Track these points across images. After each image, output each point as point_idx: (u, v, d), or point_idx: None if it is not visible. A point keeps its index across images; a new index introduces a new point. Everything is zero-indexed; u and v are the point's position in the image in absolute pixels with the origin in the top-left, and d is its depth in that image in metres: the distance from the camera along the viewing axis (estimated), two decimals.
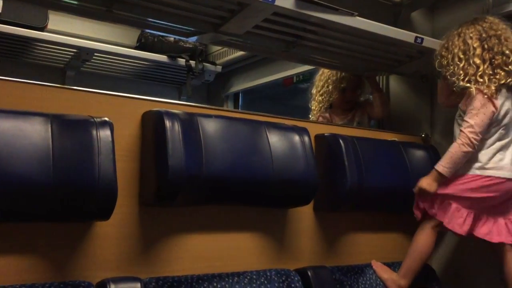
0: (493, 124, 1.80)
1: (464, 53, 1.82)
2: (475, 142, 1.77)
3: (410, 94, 2.41)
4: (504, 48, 1.80)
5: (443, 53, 1.87)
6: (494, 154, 1.81)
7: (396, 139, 2.12)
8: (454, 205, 1.81)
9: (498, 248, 1.84)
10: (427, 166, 2.06)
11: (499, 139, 1.82)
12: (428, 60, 2.05)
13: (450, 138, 2.19)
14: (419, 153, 2.10)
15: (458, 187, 1.82)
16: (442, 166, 1.80)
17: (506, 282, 1.85)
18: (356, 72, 2.37)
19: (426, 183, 1.83)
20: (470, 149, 1.77)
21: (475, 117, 1.77)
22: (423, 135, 2.28)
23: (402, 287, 1.88)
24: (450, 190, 1.82)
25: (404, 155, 2.04)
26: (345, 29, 1.82)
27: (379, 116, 2.38)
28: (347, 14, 1.76)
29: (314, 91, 2.49)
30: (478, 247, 1.96)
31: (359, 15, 1.79)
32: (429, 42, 1.99)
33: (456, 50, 1.83)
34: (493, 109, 1.77)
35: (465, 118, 1.79)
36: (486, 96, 1.77)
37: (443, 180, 1.81)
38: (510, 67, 1.80)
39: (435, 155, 2.10)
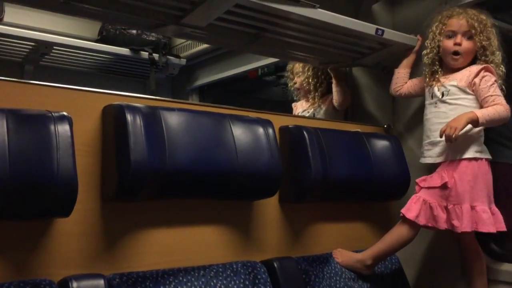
0: None
1: None
2: None
3: (372, 85, 2.44)
4: None
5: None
6: None
7: (359, 130, 2.15)
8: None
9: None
10: (389, 156, 2.10)
11: None
12: (389, 51, 2.09)
13: (411, 128, 2.25)
14: (381, 143, 2.13)
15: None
16: (483, 114, 1.80)
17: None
18: (318, 64, 2.39)
19: (457, 122, 1.79)
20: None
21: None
22: (385, 126, 2.32)
23: (369, 267, 1.92)
24: None
25: (367, 146, 2.08)
26: (307, 21, 1.83)
27: (341, 106, 2.41)
28: (309, 6, 1.76)
29: (297, 85, 2.57)
30: (441, 234, 2.02)
31: (321, 7, 1.80)
32: (390, 34, 2.02)
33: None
34: None
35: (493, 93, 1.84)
36: None
37: (472, 126, 1.82)
38: None
39: (397, 145, 2.14)
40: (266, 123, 1.75)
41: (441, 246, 2.12)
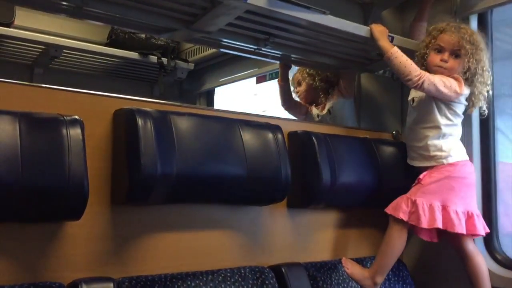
0: None
1: None
2: None
3: (381, 92, 2.44)
4: None
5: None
6: None
7: (367, 136, 2.15)
8: None
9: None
10: (397, 162, 2.10)
11: None
12: None
13: None
14: (389, 150, 2.13)
15: None
16: (398, 53, 1.88)
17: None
18: (327, 70, 2.39)
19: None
20: None
21: None
22: (393, 132, 2.31)
23: (377, 284, 1.92)
24: None
25: (376, 152, 2.07)
26: (316, 27, 1.83)
27: (349, 94, 2.42)
28: (319, 13, 1.77)
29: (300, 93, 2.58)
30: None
31: (331, 14, 1.81)
32: (399, 40, 2.02)
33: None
34: None
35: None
36: None
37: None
38: None
39: (406, 152, 2.13)
40: (275, 129, 1.75)
41: (449, 253, 2.11)
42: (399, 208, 1.88)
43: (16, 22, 2.75)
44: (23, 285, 1.27)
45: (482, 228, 1.89)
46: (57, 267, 1.38)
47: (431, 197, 1.86)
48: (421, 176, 1.92)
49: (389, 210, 1.91)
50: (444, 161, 1.91)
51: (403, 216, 1.86)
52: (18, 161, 1.22)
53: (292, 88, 2.61)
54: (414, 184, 1.94)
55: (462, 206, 1.88)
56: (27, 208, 1.25)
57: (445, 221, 1.84)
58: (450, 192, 1.87)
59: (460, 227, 1.85)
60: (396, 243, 1.90)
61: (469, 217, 1.88)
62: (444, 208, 1.86)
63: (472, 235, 1.90)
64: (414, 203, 1.86)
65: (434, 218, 1.83)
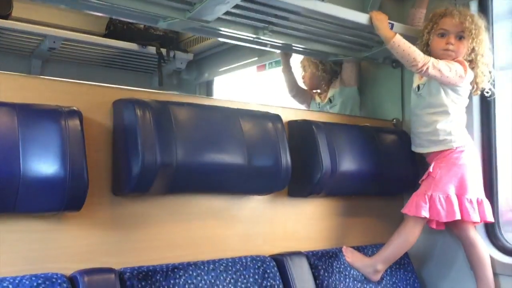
0: None
1: None
2: None
3: (381, 79, 2.43)
4: None
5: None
6: None
7: (367, 124, 2.14)
8: None
9: None
10: (398, 150, 2.09)
11: None
12: None
13: None
14: (390, 138, 2.13)
15: None
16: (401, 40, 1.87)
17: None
18: (327, 58, 2.37)
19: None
20: None
21: None
22: (394, 120, 2.31)
23: (379, 271, 1.92)
24: None
25: (376, 140, 2.07)
26: (315, 15, 1.82)
27: (351, 84, 2.42)
28: (318, 0, 1.75)
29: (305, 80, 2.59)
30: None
31: (329, 1, 1.79)
32: (400, 27, 2.00)
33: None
34: None
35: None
36: None
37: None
38: None
39: (406, 140, 2.13)
40: (274, 118, 1.75)
41: (452, 244, 2.11)
42: (419, 206, 1.87)
43: (14, 13, 2.73)
44: (25, 277, 1.27)
45: (491, 214, 1.90)
46: (58, 258, 1.38)
47: (445, 189, 1.86)
48: (430, 169, 1.91)
49: (410, 211, 1.89)
50: (454, 144, 1.91)
51: (426, 214, 1.85)
52: (17, 152, 1.22)
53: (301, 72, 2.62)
54: (423, 178, 1.94)
55: (474, 194, 1.89)
56: (27, 199, 1.25)
57: (461, 211, 1.85)
58: (461, 181, 1.88)
59: (476, 216, 1.86)
60: (411, 236, 1.91)
61: (479, 204, 1.89)
62: (459, 198, 1.86)
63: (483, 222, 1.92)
64: (431, 198, 1.86)
65: (453, 211, 1.84)
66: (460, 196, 1.87)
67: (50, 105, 1.33)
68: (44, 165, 1.25)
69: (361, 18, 1.91)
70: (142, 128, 1.41)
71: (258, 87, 3.44)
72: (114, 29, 3.08)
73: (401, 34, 1.94)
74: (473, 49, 1.92)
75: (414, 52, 1.85)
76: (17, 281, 1.25)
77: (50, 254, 1.37)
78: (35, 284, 1.26)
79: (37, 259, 1.35)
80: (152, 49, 3.12)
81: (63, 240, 1.39)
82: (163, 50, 3.15)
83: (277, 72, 2.80)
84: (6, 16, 2.68)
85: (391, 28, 1.95)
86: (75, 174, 1.27)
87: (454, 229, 1.98)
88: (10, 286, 1.23)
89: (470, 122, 2.07)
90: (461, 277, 2.08)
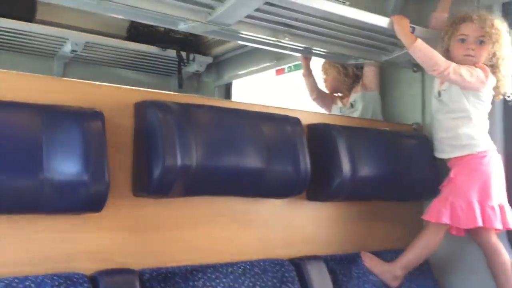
0: None
1: None
2: None
3: (401, 83, 2.41)
4: None
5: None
6: None
7: (387, 128, 2.13)
8: None
9: None
10: (418, 155, 2.07)
11: None
12: None
13: None
14: (410, 143, 2.11)
15: None
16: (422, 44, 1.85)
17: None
18: (347, 62, 2.36)
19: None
20: None
21: None
22: (414, 125, 2.28)
23: (398, 277, 1.90)
24: None
25: (396, 145, 2.05)
26: (336, 18, 1.81)
27: (373, 88, 2.41)
28: (339, 3, 1.75)
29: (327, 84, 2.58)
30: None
31: (351, 4, 1.78)
32: (421, 31, 1.99)
33: None
34: None
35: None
36: None
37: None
38: None
39: (427, 145, 2.10)
40: (294, 121, 1.75)
41: (473, 251, 2.08)
42: (441, 213, 1.85)
43: (38, 16, 2.78)
44: (46, 276, 1.29)
45: None
46: (78, 258, 1.39)
47: (467, 195, 1.84)
48: (452, 175, 1.89)
49: (431, 218, 1.87)
50: (477, 149, 1.88)
51: (447, 220, 1.83)
52: (41, 153, 1.24)
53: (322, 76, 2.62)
54: (444, 184, 1.92)
55: (496, 200, 1.86)
56: (50, 200, 1.26)
57: (483, 218, 1.82)
58: (484, 187, 1.85)
59: (498, 223, 1.83)
60: (432, 243, 1.90)
61: (501, 210, 1.86)
62: (481, 204, 1.84)
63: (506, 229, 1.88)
64: (452, 204, 1.84)
65: (474, 217, 1.81)
66: (482, 202, 1.84)
67: (72, 106, 1.35)
68: (66, 166, 1.26)
69: (383, 21, 1.90)
70: (163, 130, 1.42)
71: (277, 91, 3.45)
72: (135, 32, 3.11)
73: (423, 38, 1.93)
74: (494, 54, 1.90)
75: (436, 57, 1.84)
76: (39, 280, 1.26)
77: (71, 254, 1.38)
78: (56, 283, 1.27)
79: (58, 258, 1.36)
80: (172, 52, 3.15)
81: (84, 241, 1.41)
82: (183, 53, 3.17)
83: (296, 76, 2.81)
84: (31, 19, 2.73)
85: (413, 32, 1.93)
86: (96, 175, 1.28)
87: (475, 236, 1.95)
88: (32, 285, 1.25)
89: (493, 127, 2.03)
90: (482, 285, 2.04)
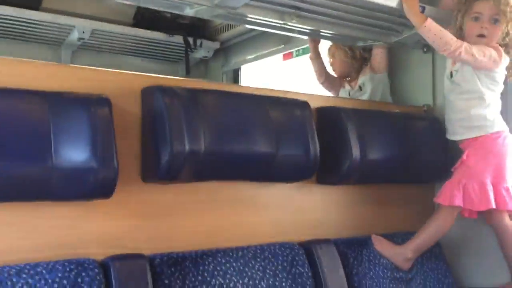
0: None
1: None
2: None
3: (411, 65, 2.37)
4: None
5: None
6: None
7: (398, 110, 2.10)
8: None
9: None
10: (429, 137, 2.05)
11: None
12: None
13: None
14: (421, 125, 2.08)
15: None
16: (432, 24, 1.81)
17: None
18: (356, 43, 2.33)
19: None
20: None
21: None
22: (425, 107, 2.25)
23: (409, 259, 1.90)
24: None
25: (406, 127, 2.03)
26: None
27: (381, 71, 2.38)
28: None
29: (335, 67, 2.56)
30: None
31: None
32: (431, 10, 1.95)
33: None
34: None
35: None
36: None
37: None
38: None
39: (437, 127, 2.08)
40: (302, 105, 1.73)
41: (485, 232, 2.06)
42: (453, 195, 1.83)
43: (44, 4, 2.78)
44: (58, 262, 1.30)
45: None
46: (89, 244, 1.40)
47: (480, 177, 1.82)
48: (464, 157, 1.87)
49: (444, 201, 1.85)
50: (490, 130, 1.86)
51: (459, 202, 1.82)
52: (49, 140, 1.24)
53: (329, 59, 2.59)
54: (456, 166, 1.89)
55: (510, 181, 1.84)
56: (59, 187, 1.27)
57: (496, 199, 1.80)
58: (498, 169, 1.83)
59: (511, 204, 1.81)
60: (444, 225, 1.88)
61: None
62: (495, 186, 1.82)
63: None
64: (464, 187, 1.82)
65: (488, 199, 1.80)
66: (496, 184, 1.82)
67: (79, 93, 1.35)
68: (75, 152, 1.26)
69: (391, 1, 1.86)
70: (171, 115, 1.42)
71: (284, 76, 3.42)
72: (142, 19, 3.10)
73: (433, 18, 1.89)
74: (507, 33, 1.85)
75: (447, 36, 1.80)
76: (50, 266, 1.28)
77: (82, 240, 1.39)
78: (67, 269, 1.29)
79: (69, 244, 1.37)
80: (179, 38, 3.14)
81: (94, 227, 1.41)
82: (190, 39, 3.16)
83: (303, 61, 2.78)
84: (37, 8, 2.73)
85: (422, 11, 1.89)
86: (105, 162, 1.28)
87: (487, 217, 1.93)
88: (44, 271, 1.26)
89: (505, 108, 2.00)
90: (494, 266, 2.03)
